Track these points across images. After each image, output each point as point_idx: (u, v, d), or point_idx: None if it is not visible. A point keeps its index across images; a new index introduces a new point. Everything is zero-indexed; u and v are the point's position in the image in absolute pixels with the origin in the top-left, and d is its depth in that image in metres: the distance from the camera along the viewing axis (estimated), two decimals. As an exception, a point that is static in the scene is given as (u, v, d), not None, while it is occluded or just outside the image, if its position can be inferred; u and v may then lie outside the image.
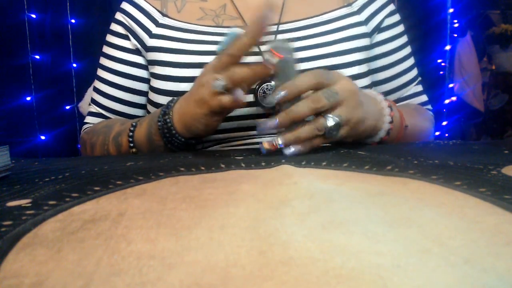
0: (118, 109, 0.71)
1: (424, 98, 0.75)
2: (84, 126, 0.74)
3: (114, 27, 0.71)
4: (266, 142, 0.46)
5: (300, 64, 0.60)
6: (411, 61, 0.73)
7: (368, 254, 0.18)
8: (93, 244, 0.20)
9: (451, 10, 1.66)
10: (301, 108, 0.44)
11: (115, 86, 0.70)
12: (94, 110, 0.73)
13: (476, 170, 0.35)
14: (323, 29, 0.64)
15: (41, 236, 0.22)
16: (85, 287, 0.16)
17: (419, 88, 0.75)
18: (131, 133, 0.57)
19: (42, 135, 1.31)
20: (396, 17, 0.71)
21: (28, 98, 1.43)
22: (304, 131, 0.45)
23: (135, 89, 0.70)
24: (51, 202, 0.29)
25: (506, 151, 0.46)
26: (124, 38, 0.70)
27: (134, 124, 0.57)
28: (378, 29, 0.69)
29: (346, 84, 0.46)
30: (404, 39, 0.72)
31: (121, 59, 0.69)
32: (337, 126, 0.45)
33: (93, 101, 0.73)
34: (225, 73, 0.44)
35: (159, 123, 0.52)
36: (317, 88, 0.45)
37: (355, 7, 0.68)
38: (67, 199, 0.29)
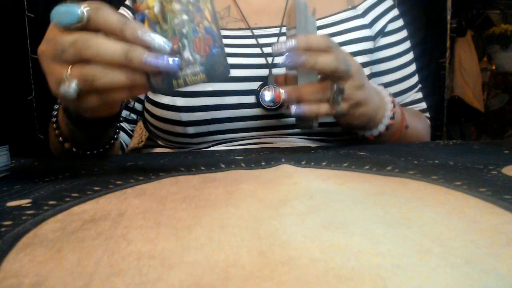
0: None
1: (423, 105, 0.75)
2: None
3: None
4: (268, 91, 0.44)
5: None
6: (412, 67, 0.73)
7: (368, 254, 0.18)
8: (93, 244, 0.20)
9: (451, 10, 1.66)
10: (323, 59, 0.43)
11: None
12: None
13: (476, 170, 0.35)
14: (326, 31, 0.64)
15: (41, 236, 0.22)
16: (85, 287, 0.16)
17: (419, 95, 0.75)
18: (55, 112, 0.49)
19: (42, 135, 1.31)
20: (400, 22, 0.71)
21: (28, 98, 1.43)
22: (308, 88, 0.44)
23: None
24: (51, 202, 0.29)
25: (506, 151, 0.46)
26: None
27: (59, 101, 0.49)
28: (382, 33, 0.69)
29: (355, 61, 0.47)
30: (406, 44, 0.72)
31: None
32: (341, 92, 0.45)
33: None
34: (78, 71, 0.32)
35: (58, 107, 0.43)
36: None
37: (360, 10, 0.68)
38: (67, 199, 0.29)
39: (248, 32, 0.64)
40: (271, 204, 0.26)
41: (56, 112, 0.49)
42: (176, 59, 0.33)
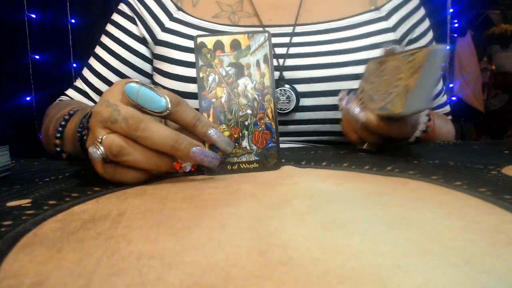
0: None
1: (447, 108, 0.73)
2: (61, 97, 0.68)
3: (122, 7, 0.67)
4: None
5: (319, 70, 0.58)
6: (440, 85, 0.70)
7: (368, 254, 0.18)
8: (93, 244, 0.20)
9: (451, 10, 1.66)
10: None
11: (111, 68, 0.66)
12: (80, 86, 0.67)
13: (476, 170, 0.35)
14: (346, 34, 0.61)
15: (41, 236, 0.22)
16: (85, 287, 0.16)
17: (444, 98, 0.72)
18: (63, 122, 0.48)
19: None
20: (426, 23, 0.67)
21: (28, 98, 1.43)
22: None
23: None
24: (51, 202, 0.29)
25: (506, 151, 0.46)
26: (131, 21, 0.66)
27: (71, 112, 0.48)
28: (409, 38, 0.65)
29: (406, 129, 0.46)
30: None
31: (124, 43, 0.65)
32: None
33: (82, 78, 0.68)
34: (110, 143, 0.32)
35: (79, 134, 0.42)
36: None
37: (383, 12, 0.63)
38: (67, 199, 0.29)
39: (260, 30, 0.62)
40: (271, 204, 0.26)
41: (64, 123, 0.48)
42: (219, 156, 0.35)
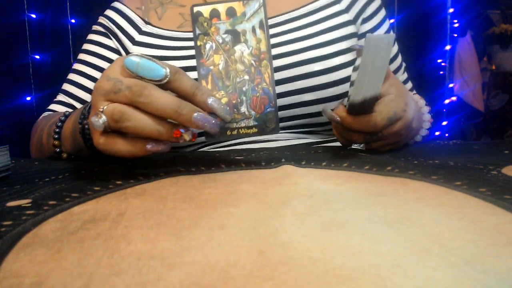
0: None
1: (409, 85, 0.74)
2: (44, 113, 0.69)
3: (95, 27, 0.72)
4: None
5: (291, 57, 0.61)
6: (395, 48, 0.71)
7: (368, 254, 0.18)
8: (93, 244, 0.20)
9: (451, 10, 1.66)
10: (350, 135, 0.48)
11: (92, 79, 0.68)
12: (64, 100, 0.69)
13: (476, 170, 0.35)
14: (305, 21, 0.64)
15: (41, 236, 0.22)
16: (85, 287, 0.16)
17: (405, 76, 0.74)
18: (60, 123, 0.49)
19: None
20: (378, 2, 0.70)
21: (28, 98, 1.43)
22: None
23: None
24: (51, 202, 0.29)
25: (506, 151, 0.46)
26: (105, 36, 0.70)
27: (66, 114, 0.50)
28: (362, 17, 0.68)
29: (399, 128, 0.46)
30: (386, 25, 0.70)
31: (103, 56, 0.69)
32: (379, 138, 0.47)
33: (64, 92, 0.69)
34: (112, 109, 0.33)
35: (80, 125, 0.44)
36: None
37: None
38: (67, 199, 0.29)
39: None
40: (271, 204, 0.26)
41: (61, 124, 0.49)
42: (219, 122, 0.36)
